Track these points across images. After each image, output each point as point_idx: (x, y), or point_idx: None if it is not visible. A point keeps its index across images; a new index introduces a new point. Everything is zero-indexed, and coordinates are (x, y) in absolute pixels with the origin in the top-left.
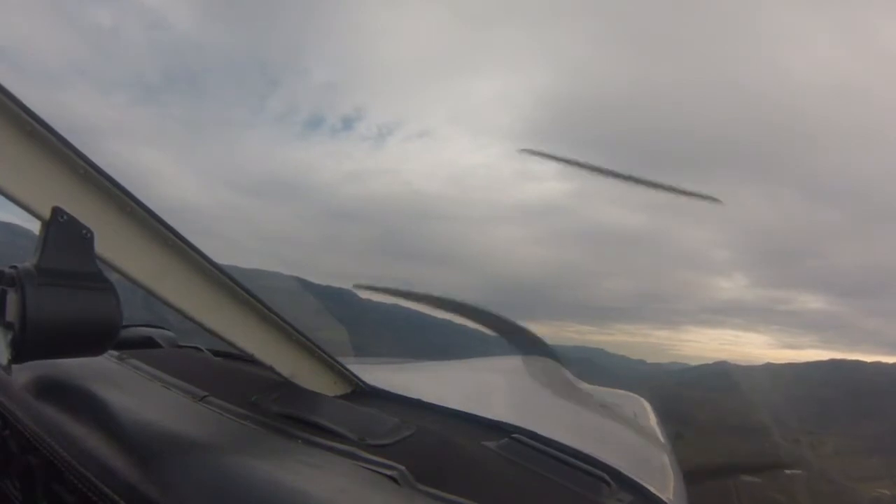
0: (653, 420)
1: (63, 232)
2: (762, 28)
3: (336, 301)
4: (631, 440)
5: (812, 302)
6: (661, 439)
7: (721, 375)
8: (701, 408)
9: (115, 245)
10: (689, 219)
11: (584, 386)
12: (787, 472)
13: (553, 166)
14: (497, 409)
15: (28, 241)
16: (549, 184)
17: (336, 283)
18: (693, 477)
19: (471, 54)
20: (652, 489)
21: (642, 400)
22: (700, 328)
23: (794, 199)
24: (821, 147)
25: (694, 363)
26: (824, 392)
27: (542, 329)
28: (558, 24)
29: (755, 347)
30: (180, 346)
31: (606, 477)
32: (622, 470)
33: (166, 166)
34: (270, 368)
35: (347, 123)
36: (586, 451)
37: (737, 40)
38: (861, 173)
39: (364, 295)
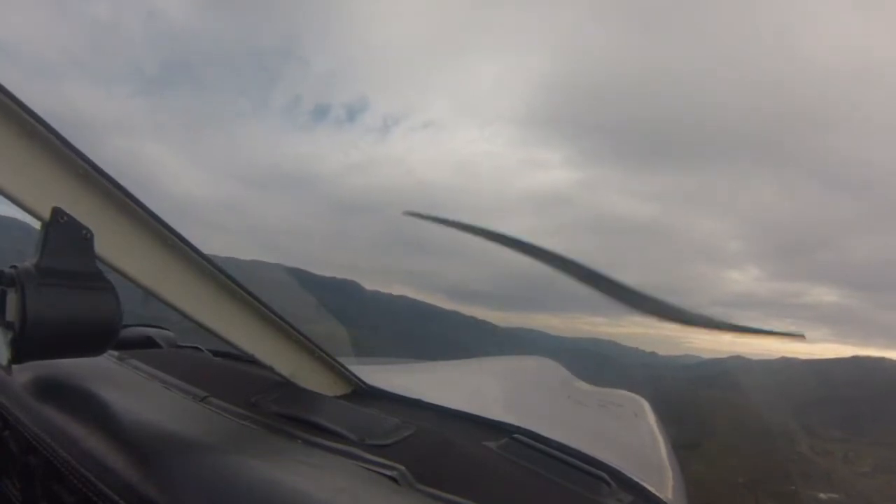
0: (653, 420)
1: (63, 232)
2: (777, 4)
3: (340, 293)
4: (631, 440)
5: (826, 295)
6: (661, 439)
7: (738, 371)
8: (719, 410)
9: (115, 245)
10: (701, 210)
11: (584, 386)
12: (823, 496)
13: (561, 154)
14: (497, 409)
15: (24, 233)
16: (557, 172)
17: (342, 275)
18: (712, 498)
19: (473, 39)
20: (652, 489)
21: (642, 400)
22: None
23: (808, 188)
24: (838, 135)
25: (706, 356)
26: (849, 392)
27: (554, 321)
28: (563, 3)
29: (769, 341)
30: (180, 346)
31: (606, 477)
32: (622, 470)
33: (168, 159)
34: (270, 368)
35: (352, 114)
36: (586, 451)
37: (750, 19)
38: (880, 163)
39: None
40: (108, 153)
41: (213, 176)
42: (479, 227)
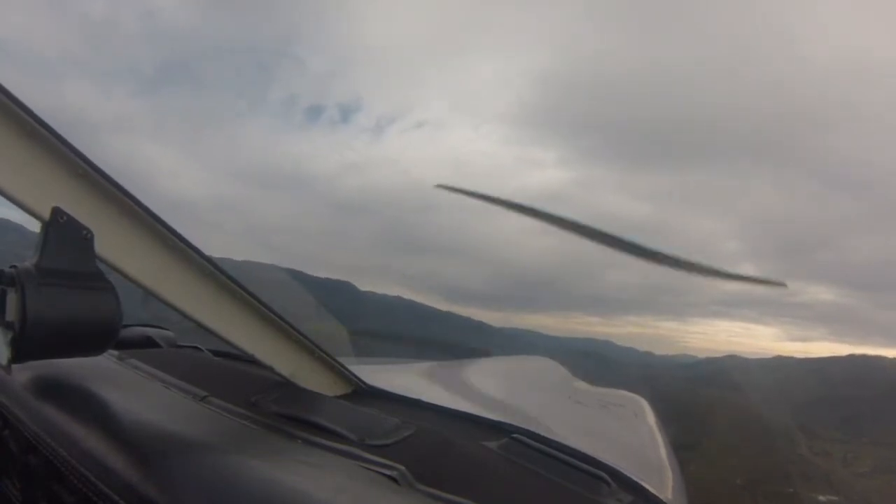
0: (652, 420)
1: (63, 232)
2: (777, 4)
3: (335, 294)
4: (631, 440)
5: (823, 294)
6: (661, 439)
7: (734, 371)
8: (716, 410)
9: (115, 245)
10: (699, 210)
11: (584, 386)
12: (822, 498)
13: (555, 153)
14: (497, 409)
15: (19, 235)
16: (551, 171)
17: (337, 276)
18: (712, 498)
19: (467, 38)
20: (652, 489)
21: (642, 400)
22: (708, 320)
23: (806, 188)
24: (837, 135)
25: (702, 355)
26: (847, 391)
27: (549, 321)
28: (559, 2)
29: (765, 339)
30: (180, 346)
31: (606, 477)
32: (622, 470)
33: (165, 158)
34: (270, 368)
35: (346, 115)
36: (586, 451)
37: (750, 17)
38: (879, 163)
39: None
40: (106, 153)
41: (208, 175)
42: (508, 200)
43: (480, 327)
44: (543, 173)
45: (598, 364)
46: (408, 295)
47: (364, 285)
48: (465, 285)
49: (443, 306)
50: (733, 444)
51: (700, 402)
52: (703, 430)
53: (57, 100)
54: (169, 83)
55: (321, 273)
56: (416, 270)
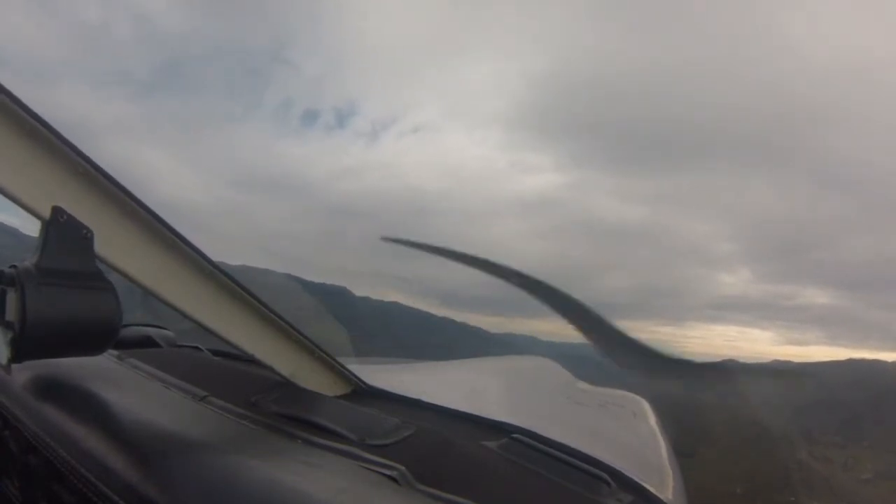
0: (652, 420)
1: (63, 232)
2: (773, 3)
3: (331, 299)
4: (631, 440)
5: (819, 296)
6: (661, 439)
7: (731, 375)
8: (715, 416)
9: (115, 245)
10: (692, 212)
11: (584, 386)
12: None
13: (550, 157)
14: (497, 409)
15: (15, 239)
16: (547, 176)
17: (332, 281)
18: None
19: (462, 42)
20: (652, 489)
21: (642, 400)
22: (705, 324)
23: (802, 188)
24: (834, 135)
25: (699, 360)
26: (846, 395)
27: (546, 326)
28: (555, 3)
29: (761, 344)
30: (180, 346)
31: (606, 477)
32: (622, 470)
33: (160, 163)
34: (270, 368)
35: (341, 119)
36: (586, 451)
37: (746, 18)
38: (878, 163)
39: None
40: (103, 156)
41: (204, 179)
42: (457, 251)
43: (477, 332)
44: (538, 178)
45: (595, 369)
46: (404, 300)
47: (360, 290)
48: (462, 290)
49: (439, 311)
50: (732, 450)
51: (701, 407)
52: (701, 437)
53: (53, 103)
54: (164, 87)
55: (317, 278)
56: (411, 275)
